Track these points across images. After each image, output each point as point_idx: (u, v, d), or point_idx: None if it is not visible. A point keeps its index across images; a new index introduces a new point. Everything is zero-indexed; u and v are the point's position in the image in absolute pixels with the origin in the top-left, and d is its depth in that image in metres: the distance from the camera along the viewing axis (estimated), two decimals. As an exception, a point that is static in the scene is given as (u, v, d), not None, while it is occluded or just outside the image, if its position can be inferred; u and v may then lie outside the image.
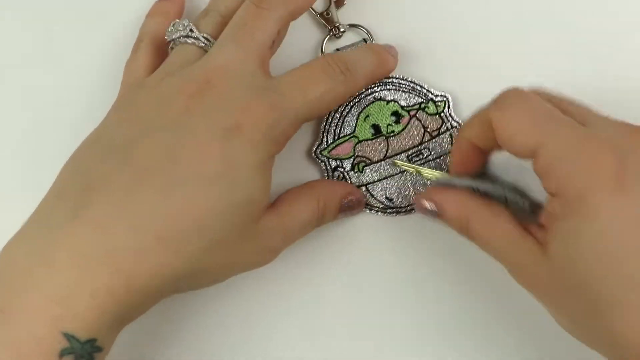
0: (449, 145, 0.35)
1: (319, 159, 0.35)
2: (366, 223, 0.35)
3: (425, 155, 0.35)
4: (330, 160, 0.35)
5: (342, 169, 0.35)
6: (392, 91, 0.35)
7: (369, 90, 0.35)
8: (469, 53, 0.36)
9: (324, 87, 0.30)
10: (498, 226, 0.28)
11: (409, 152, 0.35)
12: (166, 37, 0.32)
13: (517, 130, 0.27)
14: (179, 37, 0.31)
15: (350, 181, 0.35)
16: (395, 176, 0.35)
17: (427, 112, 0.35)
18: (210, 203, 0.27)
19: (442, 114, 0.35)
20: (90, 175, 0.28)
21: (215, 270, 0.29)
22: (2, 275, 0.26)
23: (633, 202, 0.24)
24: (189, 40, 0.31)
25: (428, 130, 0.35)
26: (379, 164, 0.35)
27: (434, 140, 0.35)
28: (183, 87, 0.29)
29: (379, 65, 0.33)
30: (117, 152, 0.28)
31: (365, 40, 0.35)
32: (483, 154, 0.30)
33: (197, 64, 0.30)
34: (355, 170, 0.35)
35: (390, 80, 0.35)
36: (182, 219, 0.27)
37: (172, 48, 0.32)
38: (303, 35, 0.35)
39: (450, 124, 0.35)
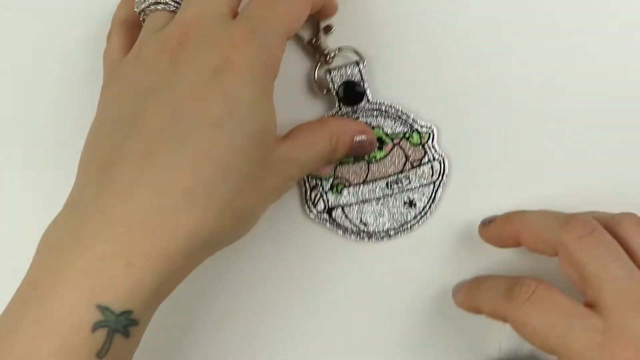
0: (430, 177, 0.35)
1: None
2: (339, 246, 0.36)
3: (404, 184, 0.35)
4: (310, 178, 0.35)
5: (321, 188, 0.35)
6: (378, 117, 0.35)
7: (355, 115, 0.35)
8: (459, 83, 0.35)
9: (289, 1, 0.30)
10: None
11: (389, 179, 0.35)
12: (135, 9, 0.32)
13: (535, 330, 0.28)
14: (148, 6, 0.31)
15: (328, 201, 0.35)
16: (373, 201, 0.35)
17: (410, 142, 0.35)
18: (224, 144, 0.27)
19: (425, 145, 0.35)
20: (103, 153, 0.28)
21: (249, 212, 0.29)
22: (37, 257, 0.27)
23: None
24: (159, 7, 0.31)
25: (410, 159, 0.35)
26: (358, 187, 0.35)
27: (414, 170, 0.35)
28: (162, 46, 0.29)
29: None
30: (122, 125, 0.28)
31: (357, 63, 0.35)
32: None
33: (170, 23, 0.30)
34: (334, 191, 0.35)
35: (377, 106, 0.35)
36: (202, 168, 0.26)
37: (143, 20, 0.32)
38: (293, 66, 0.35)
39: (433, 156, 0.35)
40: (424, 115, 0.35)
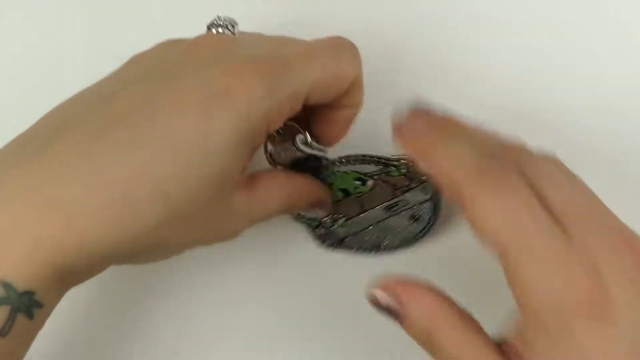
0: (425, 195, 0.33)
1: (300, 222, 0.35)
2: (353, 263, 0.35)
3: (403, 205, 0.34)
4: (310, 221, 0.35)
5: (323, 225, 0.34)
6: (349, 166, 0.32)
7: (328, 171, 0.32)
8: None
9: (335, 64, 0.27)
10: (469, 341, 0.24)
11: (387, 204, 0.34)
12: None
13: (489, 220, 0.23)
14: (211, 24, 0.29)
15: (336, 235, 0.35)
16: (379, 224, 0.34)
17: (391, 175, 0.33)
18: (177, 170, 0.24)
19: (407, 174, 0.32)
20: (63, 118, 0.26)
21: (175, 245, 0.27)
22: None
23: (610, 328, 0.22)
24: (219, 29, 0.29)
25: (398, 187, 0.33)
26: (359, 216, 0.34)
27: (407, 193, 0.33)
28: (192, 42, 0.27)
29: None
30: (98, 98, 0.26)
31: (293, 138, 0.30)
32: None
33: None
34: (338, 225, 0.34)
35: (340, 159, 0.32)
36: (145, 181, 0.24)
37: None
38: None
39: (419, 180, 0.32)
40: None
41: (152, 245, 0.25)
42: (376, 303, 0.26)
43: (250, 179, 0.28)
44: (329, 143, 0.30)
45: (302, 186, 0.31)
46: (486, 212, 0.23)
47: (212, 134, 0.24)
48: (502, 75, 0.33)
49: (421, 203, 0.33)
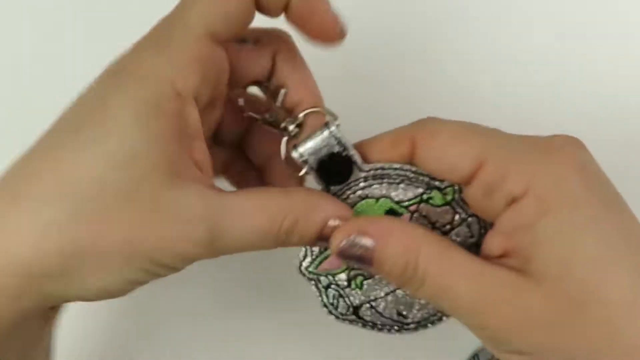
0: (469, 239, 0.26)
1: (307, 277, 0.27)
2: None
3: None
4: (320, 277, 0.27)
5: (337, 286, 0.27)
6: (382, 185, 0.25)
7: (353, 189, 0.26)
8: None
9: None
10: (458, 260, 0.23)
11: None
12: None
13: (451, 144, 0.24)
14: None
15: (349, 300, 0.27)
16: None
17: (432, 204, 0.25)
18: (73, 154, 0.22)
19: (452, 203, 0.25)
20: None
21: (111, 258, 0.22)
22: None
23: (604, 188, 0.23)
24: None
25: (437, 226, 0.26)
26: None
27: (448, 235, 0.26)
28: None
29: None
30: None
31: (326, 125, 0.25)
32: None
33: None
34: (353, 286, 0.27)
35: (374, 171, 0.25)
36: (44, 178, 0.22)
37: None
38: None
39: (466, 212, 0.25)
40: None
41: (75, 251, 0.21)
42: (346, 251, 0.24)
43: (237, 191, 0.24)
44: (327, 40, 0.25)
45: (306, 202, 0.24)
46: (443, 140, 0.24)
47: (108, 109, 0.22)
48: (502, 76, 0.34)
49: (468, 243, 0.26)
